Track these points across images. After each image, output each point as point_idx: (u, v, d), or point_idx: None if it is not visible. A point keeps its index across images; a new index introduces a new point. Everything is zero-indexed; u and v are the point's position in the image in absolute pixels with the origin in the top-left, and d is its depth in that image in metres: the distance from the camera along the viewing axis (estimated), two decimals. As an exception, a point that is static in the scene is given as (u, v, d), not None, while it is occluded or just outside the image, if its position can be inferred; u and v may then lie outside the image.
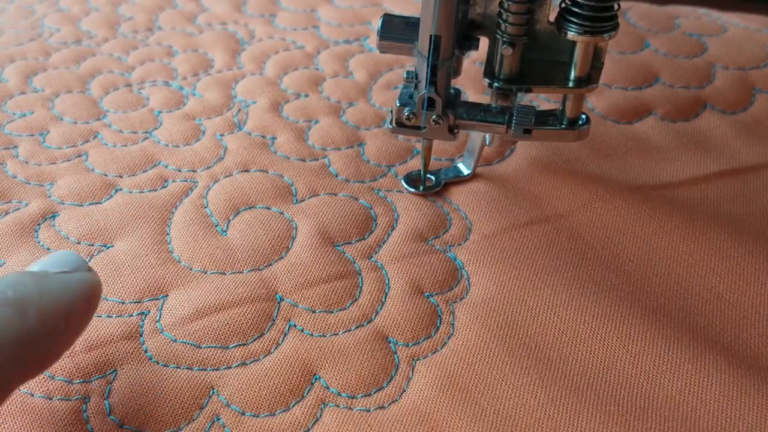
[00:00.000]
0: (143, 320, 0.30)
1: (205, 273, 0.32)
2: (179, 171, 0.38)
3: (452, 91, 0.34)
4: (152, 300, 0.31)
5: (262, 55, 0.46)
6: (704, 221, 0.35)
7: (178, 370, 0.29)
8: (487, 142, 0.36)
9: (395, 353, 0.30)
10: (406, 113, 0.33)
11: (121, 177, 0.37)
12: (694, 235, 0.34)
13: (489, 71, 0.32)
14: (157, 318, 0.31)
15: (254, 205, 0.36)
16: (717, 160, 0.39)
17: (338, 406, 0.28)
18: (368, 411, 0.28)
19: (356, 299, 0.31)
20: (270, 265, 0.33)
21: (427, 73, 0.31)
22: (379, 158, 0.38)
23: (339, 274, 0.32)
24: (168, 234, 0.34)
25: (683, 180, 0.38)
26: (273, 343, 0.30)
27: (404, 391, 0.28)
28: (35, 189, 0.36)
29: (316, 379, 0.29)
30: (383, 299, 0.31)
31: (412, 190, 0.37)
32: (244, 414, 0.28)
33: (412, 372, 0.29)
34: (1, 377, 0.22)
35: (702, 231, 0.34)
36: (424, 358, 0.30)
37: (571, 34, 0.30)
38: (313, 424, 0.27)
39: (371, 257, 0.33)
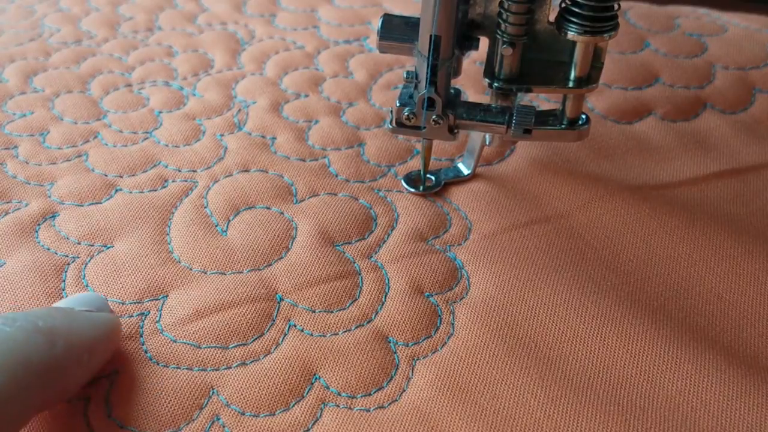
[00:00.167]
0: (143, 321, 0.30)
1: (205, 273, 0.32)
2: (179, 171, 0.38)
3: (452, 91, 0.34)
4: (152, 300, 0.31)
5: (262, 55, 0.46)
6: (704, 221, 0.35)
7: (178, 370, 0.29)
8: (487, 142, 0.36)
9: (395, 353, 0.30)
10: (406, 113, 0.33)
11: (121, 177, 0.37)
12: (694, 235, 0.34)
13: (489, 71, 0.32)
14: (157, 318, 0.31)
15: (254, 205, 0.36)
16: (717, 160, 0.39)
17: (338, 405, 0.28)
18: (368, 411, 0.28)
19: (356, 299, 0.31)
20: (270, 265, 0.33)
21: (427, 73, 0.31)
22: (379, 158, 0.38)
23: (339, 274, 0.32)
24: (168, 234, 0.34)
25: (683, 180, 0.38)
26: (273, 343, 0.30)
27: (404, 390, 0.28)
28: (35, 189, 0.36)
29: (316, 378, 0.29)
30: (383, 299, 0.31)
31: (412, 190, 0.37)
32: (244, 414, 0.28)
33: (412, 372, 0.29)
34: (27, 399, 0.23)
35: (702, 231, 0.34)
36: (424, 357, 0.30)
37: (571, 34, 0.30)
38: (313, 424, 0.27)
39: (371, 257, 0.33)
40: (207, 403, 0.28)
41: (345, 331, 0.30)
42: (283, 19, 0.51)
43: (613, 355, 0.29)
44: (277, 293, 0.32)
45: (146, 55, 0.47)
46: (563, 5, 0.30)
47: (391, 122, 0.34)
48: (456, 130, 0.33)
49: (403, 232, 0.34)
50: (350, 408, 0.28)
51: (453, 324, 0.31)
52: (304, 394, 0.28)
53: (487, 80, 0.32)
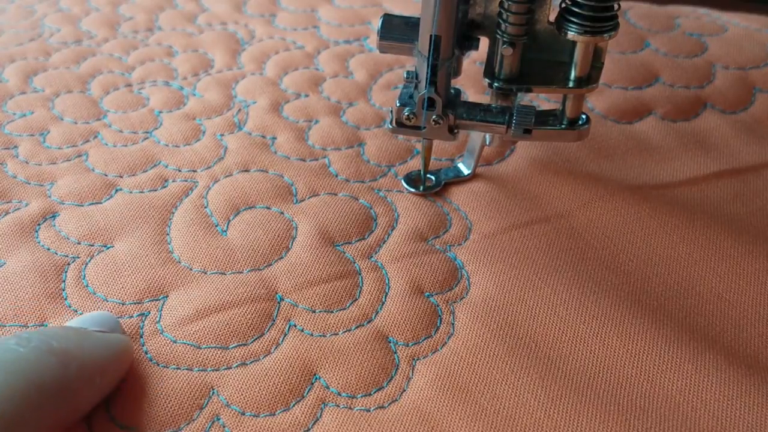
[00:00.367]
0: (143, 321, 0.30)
1: (205, 273, 0.32)
2: (179, 171, 0.38)
3: (452, 91, 0.34)
4: (152, 301, 0.31)
5: (262, 55, 0.46)
6: (704, 221, 0.35)
7: (178, 370, 0.29)
8: (487, 142, 0.36)
9: (395, 353, 0.30)
10: (406, 113, 0.33)
11: (121, 177, 0.37)
12: (694, 235, 0.34)
13: (489, 71, 0.32)
14: (157, 319, 0.31)
15: (254, 205, 0.36)
16: (717, 160, 0.39)
17: (338, 405, 0.28)
18: (368, 411, 0.28)
19: (356, 299, 0.31)
20: (270, 265, 0.33)
21: (427, 73, 0.31)
22: (379, 158, 0.38)
23: (339, 274, 0.32)
24: (168, 234, 0.34)
25: (683, 180, 0.38)
26: (273, 343, 0.30)
27: (404, 390, 0.28)
28: (35, 189, 0.36)
29: (316, 378, 0.29)
30: (383, 299, 0.31)
31: (412, 190, 0.37)
32: (244, 414, 0.28)
33: (412, 372, 0.29)
34: (39, 421, 0.23)
35: (702, 231, 0.34)
36: (424, 357, 0.30)
37: (571, 34, 0.30)
38: (313, 423, 0.27)
39: (371, 257, 0.33)
40: (207, 403, 0.28)
41: (345, 331, 0.30)
42: (283, 19, 0.51)
43: (614, 355, 0.29)
44: (277, 293, 0.32)
45: (146, 55, 0.47)
46: (563, 5, 0.30)
47: (391, 122, 0.34)
48: (456, 130, 0.33)
49: (403, 232, 0.34)
50: (350, 408, 0.28)
51: (453, 324, 0.31)
52: (305, 394, 0.28)
53: (487, 80, 0.32)
